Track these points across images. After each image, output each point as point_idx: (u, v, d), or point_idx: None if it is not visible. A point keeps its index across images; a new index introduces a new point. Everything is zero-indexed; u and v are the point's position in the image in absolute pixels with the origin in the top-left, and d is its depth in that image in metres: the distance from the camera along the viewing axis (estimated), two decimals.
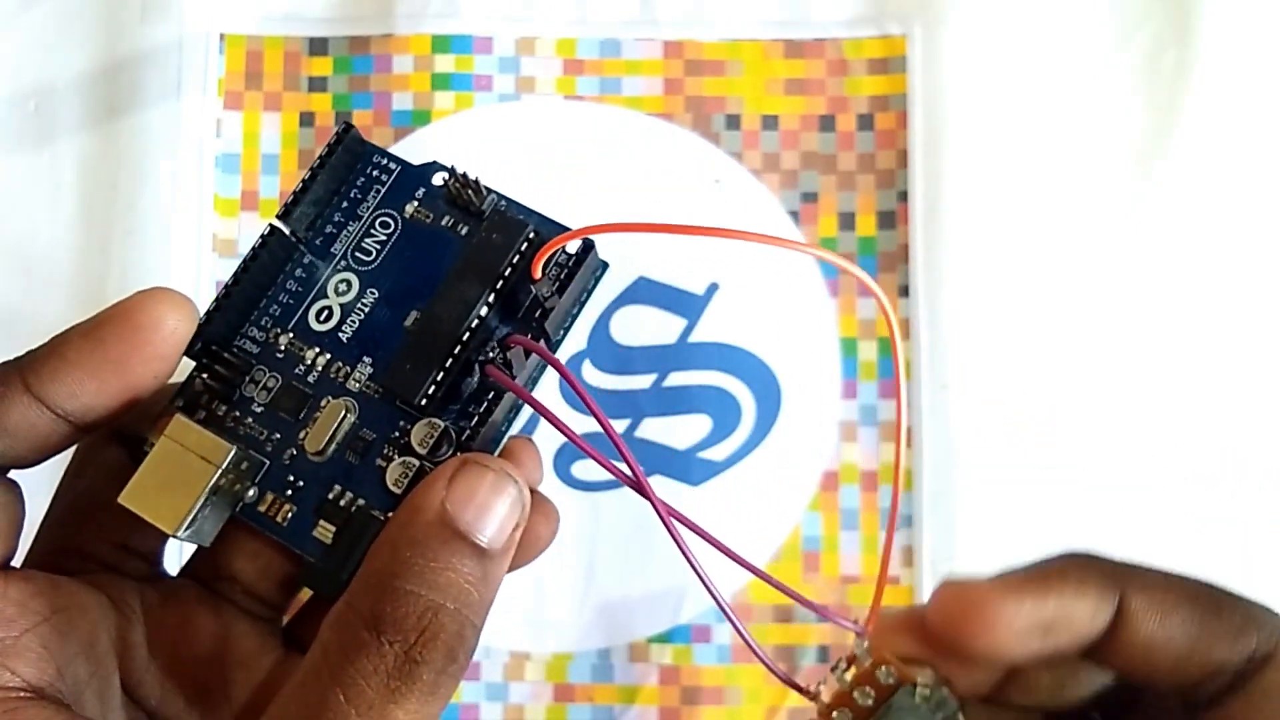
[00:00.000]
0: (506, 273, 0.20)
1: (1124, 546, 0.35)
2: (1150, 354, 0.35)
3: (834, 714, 0.20)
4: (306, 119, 0.36)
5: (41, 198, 0.35)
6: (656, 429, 0.35)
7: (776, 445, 0.35)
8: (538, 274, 0.20)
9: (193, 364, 0.21)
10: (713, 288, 0.35)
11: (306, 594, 0.23)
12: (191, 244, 0.35)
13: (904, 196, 0.35)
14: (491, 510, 0.18)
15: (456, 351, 0.20)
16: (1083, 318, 0.35)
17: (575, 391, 0.19)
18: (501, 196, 0.22)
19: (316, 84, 0.36)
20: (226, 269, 0.35)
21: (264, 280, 0.21)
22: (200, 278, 0.35)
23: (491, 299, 0.20)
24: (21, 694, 0.17)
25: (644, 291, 0.35)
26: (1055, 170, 0.36)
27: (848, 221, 0.36)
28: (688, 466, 0.34)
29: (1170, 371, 0.35)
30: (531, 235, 0.21)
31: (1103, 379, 0.35)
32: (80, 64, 0.36)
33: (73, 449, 0.20)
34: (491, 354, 0.20)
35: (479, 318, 0.20)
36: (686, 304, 0.35)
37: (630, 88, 0.36)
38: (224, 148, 0.36)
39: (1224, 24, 0.36)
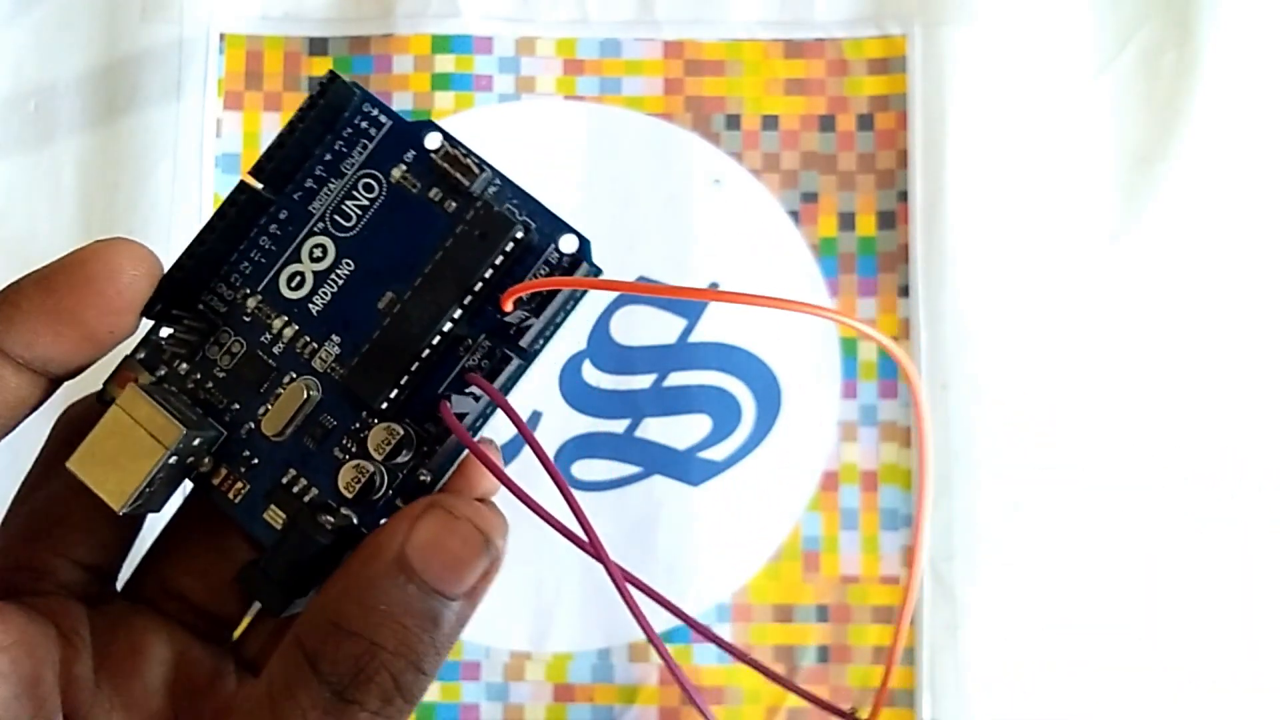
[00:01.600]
0: (486, 276, 0.19)
1: (1124, 546, 0.35)
2: (1151, 354, 0.35)
3: None
4: None
5: (41, 198, 0.35)
6: (656, 429, 0.35)
7: (776, 445, 0.35)
8: (508, 307, 0.19)
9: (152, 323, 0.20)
10: (712, 288, 0.35)
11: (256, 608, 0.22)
12: None
13: (904, 196, 0.35)
14: (455, 558, 0.17)
15: (422, 357, 0.19)
16: (1083, 318, 0.35)
17: (525, 438, 0.18)
18: (496, 175, 0.20)
19: (316, 84, 0.36)
20: None
21: (234, 237, 0.19)
22: None
23: (466, 302, 0.19)
24: None
25: None
26: (1055, 170, 0.36)
27: (848, 221, 0.36)
28: (688, 466, 0.34)
29: (1171, 371, 0.35)
30: (519, 236, 0.19)
31: (1103, 379, 0.35)
32: (80, 64, 0.36)
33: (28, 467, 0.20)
34: (448, 387, 0.19)
35: (451, 321, 0.19)
36: (686, 304, 0.35)
37: (630, 88, 0.36)
38: (224, 148, 0.36)
39: (1224, 24, 0.36)
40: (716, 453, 0.34)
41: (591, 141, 0.36)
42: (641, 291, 0.28)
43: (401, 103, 0.36)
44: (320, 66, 0.36)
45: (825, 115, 0.36)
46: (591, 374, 0.35)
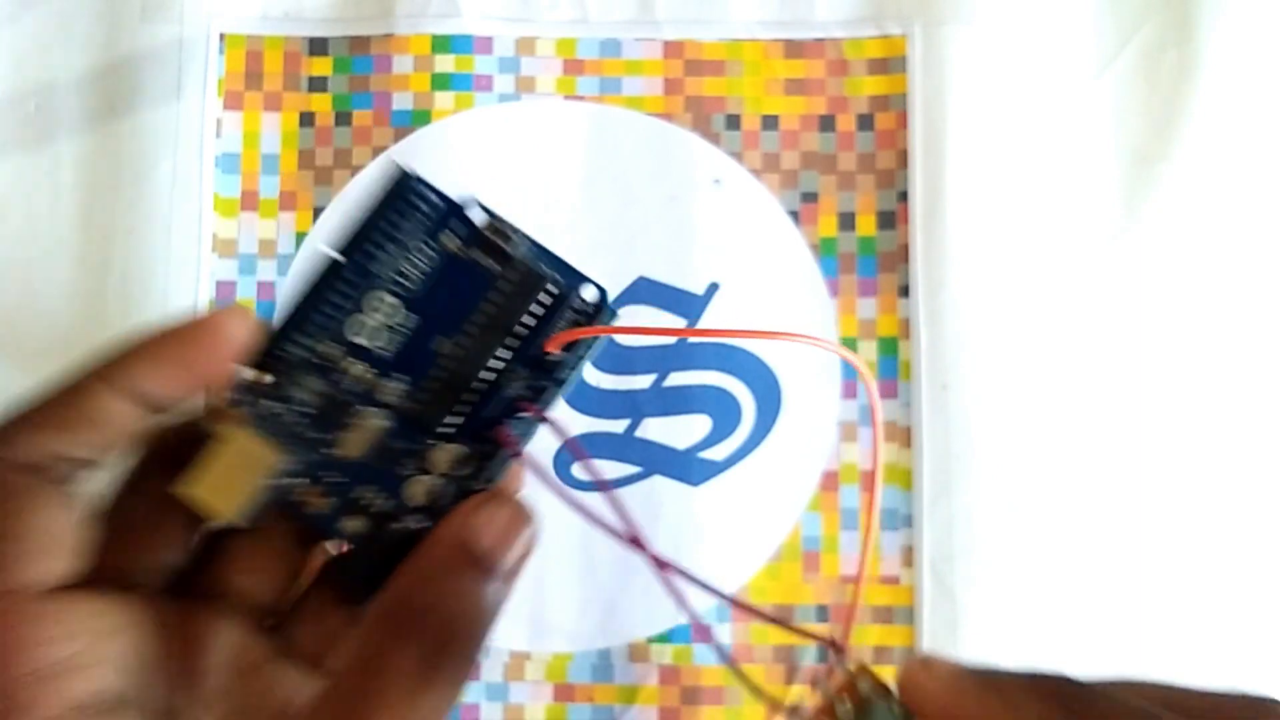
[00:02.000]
0: (527, 323, 0.23)
1: (1124, 546, 0.35)
2: (1151, 353, 0.35)
3: None
4: (306, 119, 0.36)
5: (41, 197, 0.35)
6: (656, 429, 0.35)
7: (776, 445, 0.35)
8: (555, 349, 0.23)
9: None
10: (713, 288, 0.35)
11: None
12: (191, 243, 0.35)
13: (904, 196, 0.35)
14: (504, 530, 0.21)
15: (476, 390, 0.23)
16: (1083, 317, 0.35)
17: (571, 449, 0.25)
18: (530, 241, 0.23)
19: (316, 84, 0.36)
20: (226, 268, 0.35)
21: (313, 295, 0.23)
22: (200, 277, 0.35)
23: (509, 345, 0.23)
24: (85, 709, 0.19)
25: (644, 291, 0.35)
26: (1055, 170, 0.36)
27: (848, 221, 0.36)
28: (688, 466, 0.34)
29: (1171, 371, 0.35)
30: (550, 289, 0.23)
31: (1103, 378, 0.35)
32: (80, 64, 0.36)
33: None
34: (504, 412, 0.23)
35: (499, 360, 0.23)
36: (686, 304, 0.35)
37: (630, 88, 0.36)
38: (224, 147, 0.36)
39: (1224, 24, 0.36)
40: (716, 453, 0.34)
41: (591, 141, 0.36)
42: (661, 334, 0.31)
43: (401, 103, 0.36)
44: (320, 66, 0.36)
45: (825, 115, 0.36)
46: (591, 374, 0.35)
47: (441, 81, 0.36)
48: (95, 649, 0.20)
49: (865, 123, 0.36)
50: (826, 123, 0.36)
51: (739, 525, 0.34)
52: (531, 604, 0.34)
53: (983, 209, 0.35)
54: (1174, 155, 0.36)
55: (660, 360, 0.35)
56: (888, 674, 0.20)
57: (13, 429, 0.20)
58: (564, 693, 0.34)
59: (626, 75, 0.36)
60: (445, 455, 0.23)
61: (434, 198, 0.23)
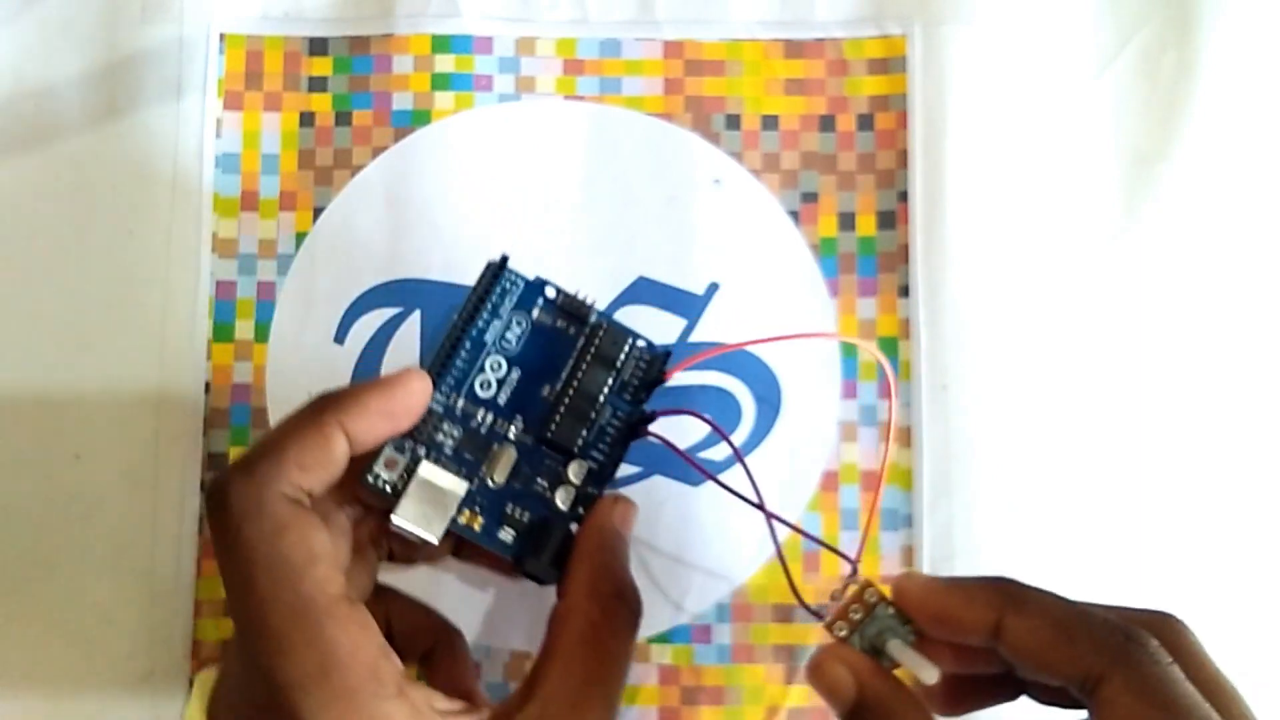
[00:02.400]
0: (621, 364, 0.31)
1: (1124, 546, 0.35)
2: (1151, 353, 0.35)
3: (835, 625, 0.27)
4: (306, 119, 0.36)
5: (42, 197, 0.35)
6: (657, 429, 0.34)
7: (776, 445, 0.35)
8: (667, 378, 0.31)
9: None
10: (713, 288, 0.35)
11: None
12: (192, 244, 0.35)
13: (904, 196, 0.35)
14: (628, 516, 0.30)
15: (594, 416, 0.30)
16: (1083, 317, 0.35)
17: (717, 431, 0.32)
18: (599, 311, 0.31)
19: (316, 84, 0.36)
20: (226, 268, 0.35)
21: (445, 360, 0.30)
22: (200, 277, 0.35)
23: (612, 382, 0.30)
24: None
25: (644, 291, 0.35)
26: (1055, 170, 0.36)
27: (848, 221, 0.36)
28: (688, 467, 0.34)
29: (1171, 371, 0.35)
30: (638, 343, 0.31)
31: (1103, 378, 0.35)
32: (80, 64, 0.36)
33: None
34: (641, 422, 0.30)
35: (608, 391, 0.30)
36: (686, 304, 0.35)
37: (630, 88, 0.36)
38: (224, 147, 0.36)
39: (1224, 24, 0.36)
40: (716, 453, 0.34)
41: (591, 141, 0.36)
42: (711, 354, 0.34)
43: (401, 102, 0.36)
44: (320, 66, 0.36)
45: (825, 115, 0.36)
46: None
47: (441, 81, 0.36)
48: (374, 637, 0.25)
49: (865, 123, 0.36)
50: (826, 123, 0.36)
51: (739, 525, 0.34)
52: (533, 604, 0.34)
53: (983, 209, 0.35)
54: (1174, 155, 0.36)
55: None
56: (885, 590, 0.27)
57: (276, 467, 0.25)
58: None
59: (626, 75, 0.36)
60: (578, 468, 0.30)
61: (521, 282, 0.31)
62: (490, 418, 0.30)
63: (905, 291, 0.35)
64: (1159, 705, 0.22)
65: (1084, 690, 0.23)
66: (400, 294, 0.35)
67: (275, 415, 0.35)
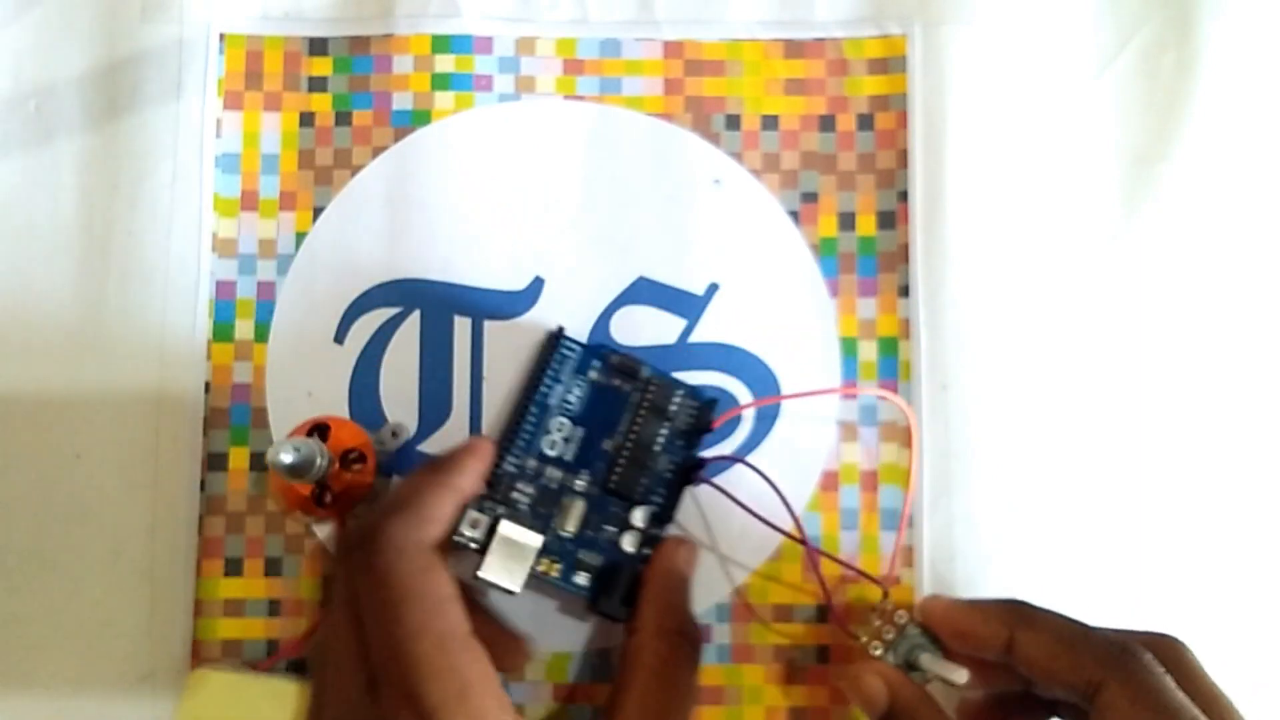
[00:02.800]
0: (674, 414, 0.33)
1: (1123, 546, 0.35)
2: (1150, 353, 0.35)
3: (870, 644, 0.31)
4: (306, 119, 0.36)
5: (42, 197, 0.35)
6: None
7: (776, 445, 0.35)
8: (715, 426, 0.34)
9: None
10: (713, 288, 0.35)
11: None
12: (192, 244, 0.35)
13: (904, 196, 0.35)
14: (691, 558, 0.33)
15: (652, 464, 0.33)
16: (1083, 317, 0.35)
17: (755, 517, 0.33)
18: (649, 365, 0.34)
19: (316, 84, 0.36)
20: (226, 268, 0.35)
21: (516, 426, 0.33)
22: (200, 277, 0.35)
23: (666, 431, 0.33)
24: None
25: (644, 291, 0.35)
26: (1055, 170, 0.36)
27: (848, 221, 0.36)
28: None
29: (1170, 371, 0.35)
30: (683, 392, 0.34)
31: (1103, 378, 0.35)
32: (80, 64, 0.36)
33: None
34: (694, 467, 0.33)
35: (663, 440, 0.33)
36: (686, 304, 0.35)
37: (630, 88, 0.36)
38: (224, 147, 0.36)
39: (1224, 24, 0.36)
40: (716, 452, 0.34)
41: (592, 141, 0.36)
42: (766, 401, 0.35)
43: (401, 102, 0.36)
44: (320, 66, 0.36)
45: (825, 115, 0.36)
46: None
47: (441, 81, 0.36)
48: (491, 667, 0.27)
49: (865, 122, 0.36)
50: (826, 123, 0.36)
51: (739, 525, 0.34)
52: (532, 604, 0.34)
53: (982, 209, 0.35)
54: (1173, 155, 0.36)
55: (661, 360, 0.35)
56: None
57: (416, 516, 0.29)
58: (564, 692, 0.34)
59: (626, 75, 0.36)
60: (642, 513, 0.32)
61: (578, 347, 0.34)
62: (559, 474, 0.33)
63: (905, 291, 0.35)
64: (1151, 708, 0.25)
65: (1086, 698, 0.26)
66: (400, 294, 0.35)
67: (275, 415, 0.35)
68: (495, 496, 0.32)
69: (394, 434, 0.34)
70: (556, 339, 0.34)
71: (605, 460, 0.33)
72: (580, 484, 0.33)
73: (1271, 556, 0.35)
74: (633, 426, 0.33)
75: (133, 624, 0.34)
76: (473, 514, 0.31)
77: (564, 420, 0.33)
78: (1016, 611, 0.29)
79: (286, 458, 0.30)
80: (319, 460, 0.31)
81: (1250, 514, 0.35)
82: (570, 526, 0.32)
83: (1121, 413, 0.35)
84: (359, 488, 0.33)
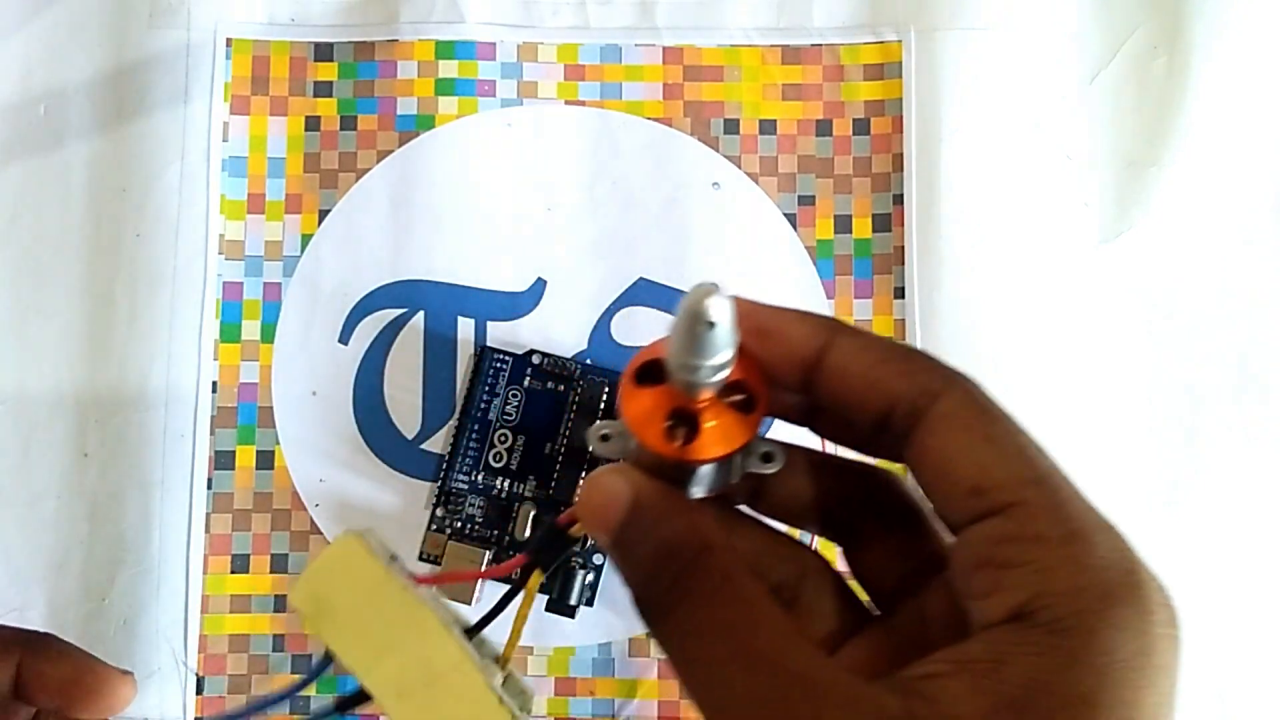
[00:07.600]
0: (601, 412, 0.34)
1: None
2: (1142, 356, 0.36)
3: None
4: (312, 123, 0.36)
5: (51, 201, 0.36)
6: None
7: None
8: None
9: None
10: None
11: None
12: (199, 246, 0.36)
13: (899, 199, 0.36)
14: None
15: (587, 465, 0.34)
16: (1075, 320, 0.36)
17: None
18: (579, 363, 0.35)
19: (322, 89, 0.37)
20: (233, 270, 0.36)
21: (459, 445, 0.34)
22: (208, 279, 0.35)
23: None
24: None
25: (644, 292, 0.36)
26: (1048, 174, 0.36)
27: (844, 224, 0.36)
28: None
29: (1164, 373, 0.35)
30: (608, 389, 0.34)
31: (1095, 380, 0.35)
32: (89, 69, 0.36)
33: None
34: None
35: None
36: None
37: (630, 93, 0.37)
38: (231, 151, 0.36)
39: (1215, 29, 0.36)
40: None
41: (592, 145, 0.36)
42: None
43: (406, 107, 0.36)
44: (326, 72, 0.37)
45: (822, 120, 0.37)
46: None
47: (445, 87, 0.36)
48: None
49: (861, 127, 0.37)
50: (823, 127, 0.37)
51: None
52: (534, 600, 0.34)
53: (976, 212, 0.36)
54: (1165, 160, 0.36)
55: None
56: None
57: None
58: (566, 686, 0.34)
59: (627, 80, 0.37)
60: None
61: (508, 358, 0.35)
62: (507, 483, 0.34)
63: (900, 293, 0.36)
64: (996, 419, 0.22)
65: (913, 412, 0.21)
66: (404, 295, 0.36)
67: (281, 415, 0.35)
68: (450, 511, 0.34)
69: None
70: (481, 356, 0.35)
71: (547, 464, 0.34)
72: (529, 490, 0.34)
73: (1269, 556, 0.35)
74: (566, 429, 0.34)
75: (137, 622, 0.34)
76: (433, 535, 0.34)
77: (506, 432, 0.34)
78: (834, 321, 0.22)
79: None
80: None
81: (1249, 514, 0.35)
82: (523, 532, 0.34)
83: (1114, 413, 0.35)
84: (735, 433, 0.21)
